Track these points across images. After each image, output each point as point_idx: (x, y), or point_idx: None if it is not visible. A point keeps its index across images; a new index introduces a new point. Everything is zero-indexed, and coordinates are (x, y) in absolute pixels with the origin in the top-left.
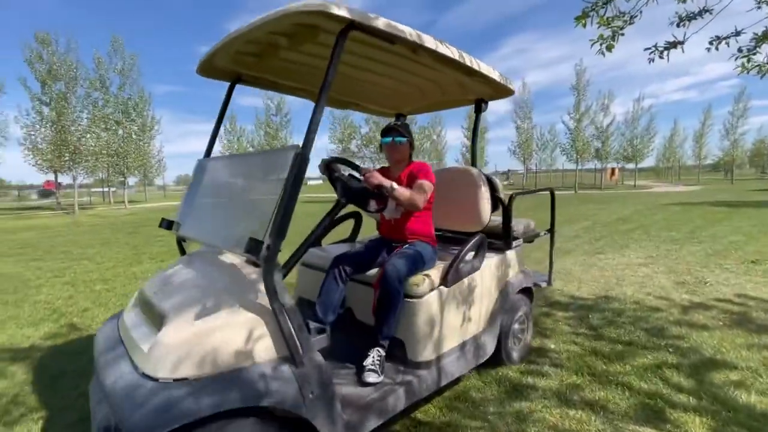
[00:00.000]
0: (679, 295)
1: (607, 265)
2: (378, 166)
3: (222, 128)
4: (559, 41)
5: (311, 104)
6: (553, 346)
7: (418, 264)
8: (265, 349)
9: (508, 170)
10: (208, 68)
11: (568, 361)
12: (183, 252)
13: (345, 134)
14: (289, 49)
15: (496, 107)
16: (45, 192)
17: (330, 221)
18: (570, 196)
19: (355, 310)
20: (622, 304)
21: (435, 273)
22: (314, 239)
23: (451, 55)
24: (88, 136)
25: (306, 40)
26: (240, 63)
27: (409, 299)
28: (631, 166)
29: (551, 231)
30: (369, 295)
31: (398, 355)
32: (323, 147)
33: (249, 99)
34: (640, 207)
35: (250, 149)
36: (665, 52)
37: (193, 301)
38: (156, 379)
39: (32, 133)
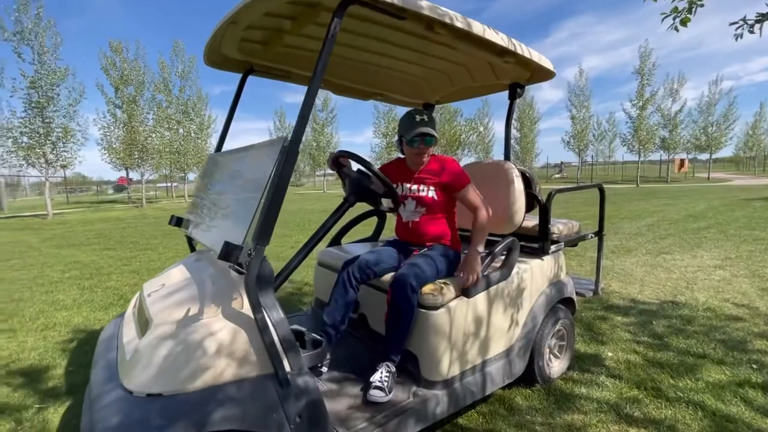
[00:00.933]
0: (766, 304)
1: (675, 266)
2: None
3: (272, 125)
4: (619, 23)
5: (356, 100)
6: (610, 354)
7: (435, 271)
8: (247, 366)
9: (562, 163)
10: (216, 59)
11: (628, 372)
12: (193, 250)
13: (389, 128)
14: (294, 34)
15: (548, 96)
16: (119, 187)
17: (334, 222)
18: (631, 190)
19: (369, 317)
20: (692, 310)
21: (455, 281)
22: (316, 242)
23: (472, 30)
24: (154, 135)
25: (308, 21)
26: (248, 52)
27: (423, 310)
28: (704, 156)
29: (599, 233)
30: (383, 301)
31: (411, 370)
32: (366, 142)
33: (298, 97)
34: (716, 202)
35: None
36: (756, 26)
37: (177, 308)
38: (131, 392)
39: (108, 133)
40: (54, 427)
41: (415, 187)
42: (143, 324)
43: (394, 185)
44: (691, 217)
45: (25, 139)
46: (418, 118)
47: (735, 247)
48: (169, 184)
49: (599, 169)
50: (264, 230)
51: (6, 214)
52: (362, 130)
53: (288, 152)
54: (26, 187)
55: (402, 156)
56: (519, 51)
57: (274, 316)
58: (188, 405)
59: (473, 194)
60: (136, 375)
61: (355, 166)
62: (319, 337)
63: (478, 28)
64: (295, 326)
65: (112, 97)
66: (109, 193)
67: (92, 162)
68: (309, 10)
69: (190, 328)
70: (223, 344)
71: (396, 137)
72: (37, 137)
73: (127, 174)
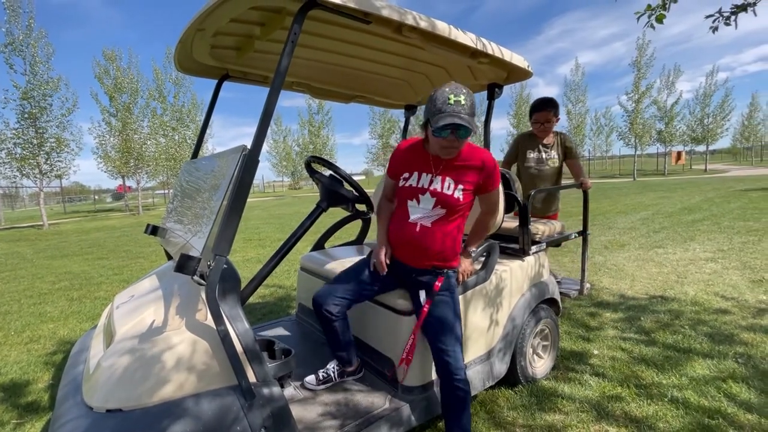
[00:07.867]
0: (755, 296)
1: (667, 260)
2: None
3: (269, 129)
4: (612, 17)
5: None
6: (596, 352)
7: (458, 318)
8: (209, 378)
9: None
10: (189, 66)
11: (612, 370)
12: (170, 258)
13: (385, 129)
14: (264, 40)
15: (544, 93)
16: (118, 195)
17: (308, 227)
18: (627, 183)
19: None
20: (681, 305)
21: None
22: (288, 249)
23: (437, 31)
24: (149, 142)
25: (276, 26)
26: (221, 58)
27: (398, 315)
28: (701, 148)
29: (584, 233)
30: (368, 313)
31: (387, 376)
32: (364, 143)
33: (293, 101)
34: (711, 194)
35: (296, 148)
36: (732, 18)
37: (141, 321)
38: (91, 408)
39: (103, 142)
40: None
41: (438, 180)
42: (108, 337)
43: (407, 174)
44: (685, 209)
45: (18, 150)
46: (452, 98)
47: (728, 239)
48: (166, 191)
49: (596, 164)
50: (223, 240)
51: (3, 225)
52: (359, 131)
53: (248, 160)
54: (24, 198)
55: (423, 137)
56: (490, 51)
57: (238, 326)
58: (147, 420)
59: (497, 194)
60: (97, 390)
61: (326, 171)
62: (288, 347)
63: (443, 28)
64: (265, 336)
65: (106, 106)
66: (107, 201)
67: (90, 171)
68: (275, 15)
69: (151, 341)
70: (184, 357)
71: (392, 137)
72: (30, 148)
73: (124, 182)
